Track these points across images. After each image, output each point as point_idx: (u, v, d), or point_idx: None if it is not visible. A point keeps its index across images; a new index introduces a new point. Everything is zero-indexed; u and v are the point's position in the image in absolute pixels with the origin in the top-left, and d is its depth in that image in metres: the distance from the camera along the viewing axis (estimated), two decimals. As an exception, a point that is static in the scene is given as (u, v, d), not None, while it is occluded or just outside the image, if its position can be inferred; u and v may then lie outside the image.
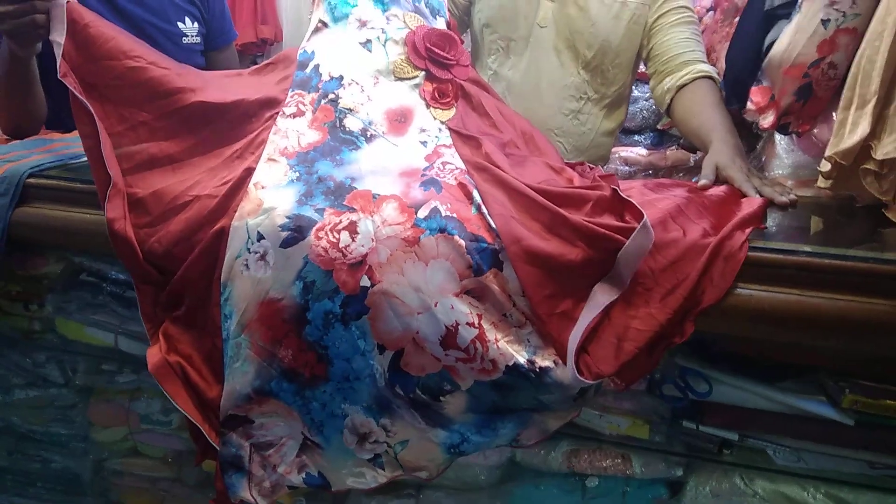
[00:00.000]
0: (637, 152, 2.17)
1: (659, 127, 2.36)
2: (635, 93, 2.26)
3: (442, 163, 0.96)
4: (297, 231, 0.87)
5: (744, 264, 0.81)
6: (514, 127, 1.10)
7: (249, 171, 0.95)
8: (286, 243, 0.87)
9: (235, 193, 0.92)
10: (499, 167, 0.94)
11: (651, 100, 2.09)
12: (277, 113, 1.02)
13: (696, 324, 0.82)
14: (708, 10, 1.67)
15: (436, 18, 1.14)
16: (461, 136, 1.01)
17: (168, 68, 1.04)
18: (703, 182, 1.03)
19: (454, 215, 0.87)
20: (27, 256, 1.14)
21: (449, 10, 1.24)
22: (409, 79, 1.05)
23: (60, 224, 1.04)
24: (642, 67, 1.54)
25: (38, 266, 1.15)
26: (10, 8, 1.02)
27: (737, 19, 1.49)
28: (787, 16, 1.14)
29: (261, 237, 0.88)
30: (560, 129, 1.53)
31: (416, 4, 1.12)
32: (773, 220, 0.98)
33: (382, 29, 1.08)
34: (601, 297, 0.84)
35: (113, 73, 1.01)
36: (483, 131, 1.05)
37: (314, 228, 0.86)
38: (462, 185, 0.92)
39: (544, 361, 0.83)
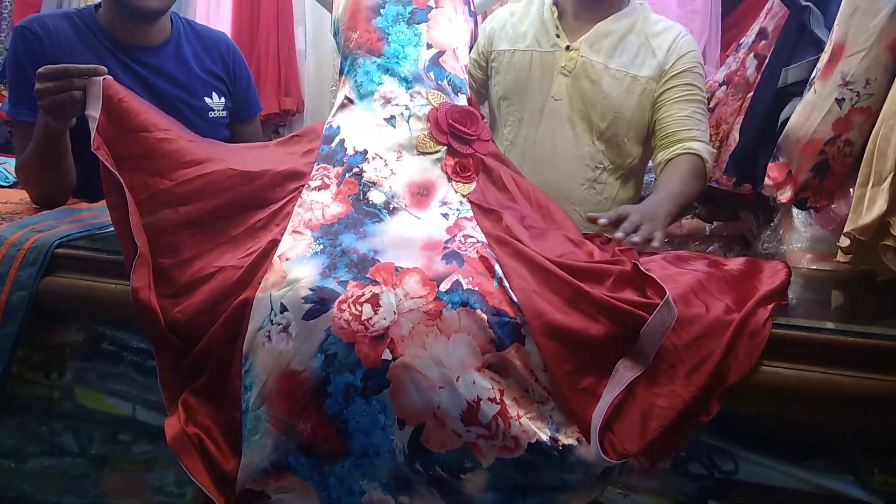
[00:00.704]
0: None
1: (674, 196, 2.37)
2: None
3: (463, 236, 0.97)
4: (320, 303, 0.87)
5: (768, 341, 0.81)
6: (531, 200, 1.12)
7: (275, 243, 0.96)
8: (309, 315, 0.87)
9: (260, 265, 0.94)
10: (519, 240, 0.96)
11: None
12: (303, 185, 1.04)
13: (722, 401, 0.81)
14: (721, 85, 1.70)
15: (458, 95, 1.17)
16: (482, 210, 1.03)
17: (194, 140, 1.08)
18: (601, 220, 1.08)
19: (476, 289, 0.87)
20: (50, 325, 1.15)
21: (468, 83, 1.28)
22: (432, 153, 1.07)
23: (86, 294, 1.05)
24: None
25: (61, 334, 1.16)
26: (50, 85, 1.07)
27: (750, 94, 1.53)
28: (801, 93, 1.17)
29: (284, 309, 0.88)
30: (577, 198, 1.55)
31: (439, 82, 1.16)
32: (793, 293, 0.98)
33: (406, 105, 1.11)
34: (625, 373, 0.84)
35: (143, 144, 1.04)
36: (503, 205, 1.06)
37: (337, 301, 0.87)
38: (484, 259, 0.92)
39: (568, 439, 0.82)
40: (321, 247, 0.95)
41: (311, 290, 0.88)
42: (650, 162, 1.57)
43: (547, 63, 1.52)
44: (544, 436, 0.82)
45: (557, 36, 1.53)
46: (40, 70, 1.08)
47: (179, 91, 1.48)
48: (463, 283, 0.88)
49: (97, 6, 1.47)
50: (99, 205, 1.31)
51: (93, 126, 1.02)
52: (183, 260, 0.99)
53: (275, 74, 2.43)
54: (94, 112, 1.04)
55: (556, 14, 1.56)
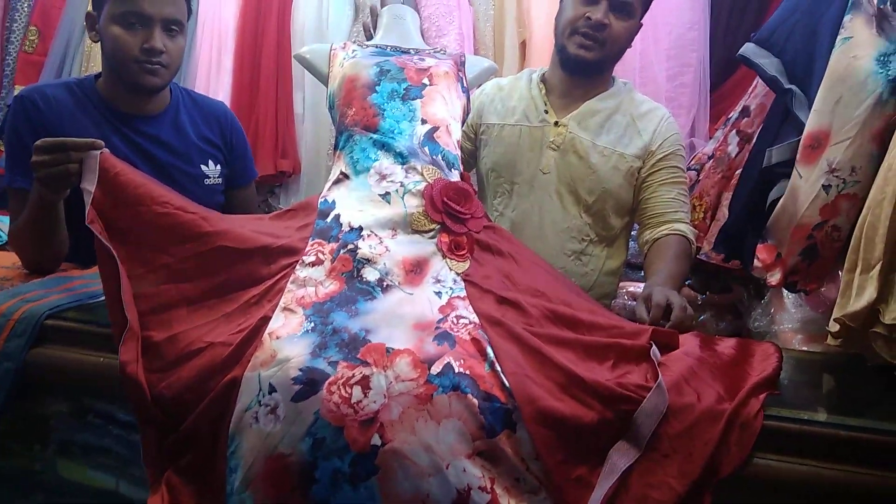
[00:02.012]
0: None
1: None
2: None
3: (456, 316, 0.97)
4: (309, 385, 0.86)
5: (760, 433, 0.81)
6: (530, 274, 1.12)
7: (265, 320, 0.96)
8: (298, 397, 0.86)
9: (250, 342, 0.93)
10: (521, 315, 0.96)
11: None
12: (297, 261, 1.04)
13: (714, 493, 0.80)
14: (709, 158, 1.74)
15: (451, 171, 1.19)
16: (476, 288, 1.03)
17: (194, 213, 1.08)
18: (640, 316, 1.12)
19: (467, 372, 0.87)
20: (35, 395, 1.14)
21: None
22: (426, 231, 1.08)
23: (73, 366, 1.05)
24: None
25: (46, 405, 1.14)
26: (46, 158, 1.08)
27: (731, 170, 1.57)
28: (788, 175, 1.19)
29: (273, 390, 0.87)
30: (563, 269, 1.56)
31: (434, 157, 1.18)
32: (784, 375, 0.97)
33: (401, 182, 1.12)
34: (618, 461, 0.83)
35: (140, 218, 1.05)
36: (499, 283, 1.07)
37: (327, 382, 0.86)
38: (475, 341, 0.92)
39: (559, 532, 0.81)
40: (312, 325, 0.94)
41: (300, 370, 0.87)
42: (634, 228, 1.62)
43: (536, 137, 1.56)
44: (536, 528, 0.81)
45: (546, 112, 1.57)
46: (37, 143, 1.09)
47: (176, 159, 1.50)
48: (454, 365, 0.87)
49: (97, 76, 1.50)
50: (90, 272, 1.31)
51: (88, 199, 1.03)
52: (173, 334, 0.98)
53: (273, 137, 2.47)
54: (89, 185, 1.05)
55: (543, 91, 1.60)
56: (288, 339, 0.92)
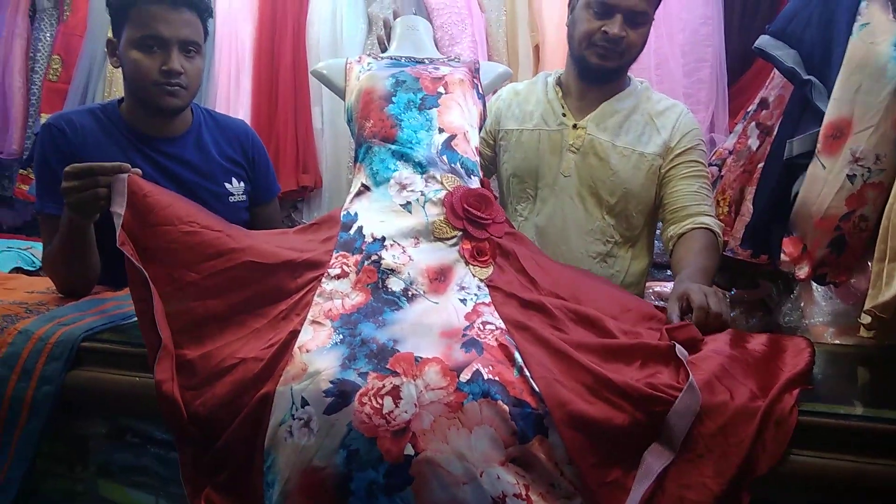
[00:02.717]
0: (672, 287, 2.17)
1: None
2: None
3: (482, 322, 0.98)
4: (340, 397, 0.87)
5: (795, 429, 0.80)
6: (552, 277, 1.12)
7: (294, 334, 0.97)
8: (330, 409, 0.87)
9: (281, 357, 0.94)
10: (548, 319, 0.95)
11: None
12: (322, 274, 1.05)
13: (751, 492, 0.80)
14: (730, 153, 1.72)
15: (470, 177, 1.20)
16: (501, 293, 1.04)
17: (220, 230, 1.10)
18: (671, 316, 1.08)
19: (496, 378, 0.87)
20: (73, 417, 1.16)
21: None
22: (448, 238, 1.09)
23: (110, 387, 1.06)
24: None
25: (84, 426, 1.16)
26: (76, 183, 1.10)
27: (752, 163, 1.55)
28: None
29: (305, 403, 0.88)
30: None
31: (452, 165, 1.18)
32: (818, 369, 0.96)
33: (421, 191, 1.13)
34: (653, 463, 0.82)
35: (168, 237, 1.07)
36: (522, 286, 1.07)
37: (358, 394, 0.87)
38: (503, 346, 0.93)
39: (597, 536, 0.81)
40: (341, 337, 0.95)
41: (331, 382, 0.88)
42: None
43: (555, 141, 1.56)
44: (573, 533, 0.80)
45: (564, 115, 1.57)
46: (66, 169, 1.11)
47: (200, 178, 1.52)
48: (483, 372, 0.88)
49: (120, 100, 1.53)
50: (122, 293, 1.34)
51: (118, 222, 1.05)
52: (206, 352, 1.00)
53: (293, 152, 2.50)
54: (119, 209, 1.07)
55: (560, 94, 1.60)
56: (317, 351, 0.93)
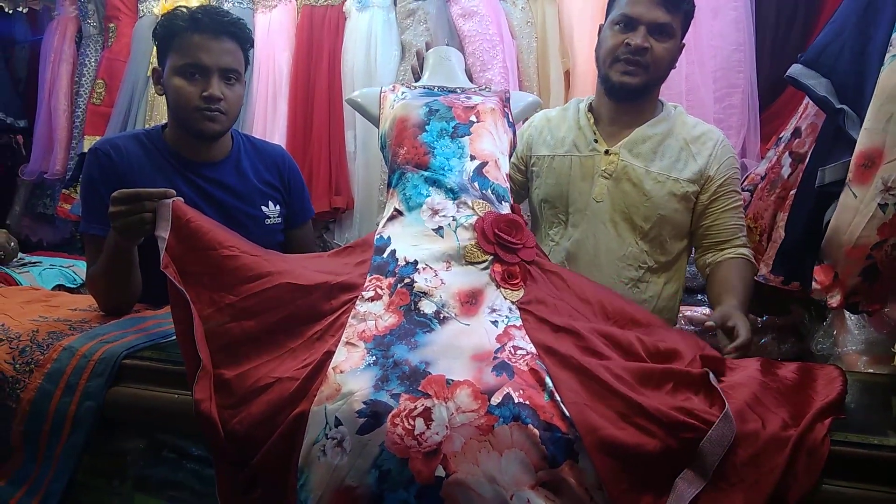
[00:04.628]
0: (702, 311, 2.16)
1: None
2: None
3: (513, 347, 0.99)
4: (373, 417, 0.89)
5: (827, 458, 0.79)
6: (582, 300, 1.13)
7: (329, 355, 0.99)
8: (363, 430, 0.89)
9: (315, 377, 0.96)
10: (577, 339, 0.97)
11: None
12: (357, 297, 1.08)
13: (782, 521, 0.79)
14: (762, 179, 1.72)
15: (501, 203, 1.21)
16: (532, 317, 1.05)
17: (257, 255, 1.13)
18: (709, 323, 1.22)
19: (527, 402, 0.88)
20: (113, 432, 1.19)
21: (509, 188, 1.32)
22: (479, 263, 1.11)
23: (150, 403, 1.10)
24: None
25: (123, 441, 1.19)
26: (122, 208, 1.15)
27: (784, 191, 1.55)
28: (841, 193, 1.18)
29: (339, 423, 0.90)
30: (621, 298, 1.56)
31: (483, 192, 1.20)
32: (850, 398, 0.96)
33: (453, 217, 1.15)
34: (685, 491, 0.83)
35: (210, 261, 1.10)
36: (553, 309, 1.08)
37: (390, 415, 0.89)
38: (534, 371, 0.94)
39: (627, 562, 0.81)
40: (374, 358, 0.97)
41: (364, 403, 0.90)
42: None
43: (587, 167, 1.57)
44: (602, 559, 0.81)
45: (595, 140, 1.58)
46: (114, 194, 1.16)
47: (239, 202, 1.57)
48: (514, 396, 0.89)
49: (163, 126, 1.59)
50: (162, 311, 1.38)
51: (162, 246, 1.09)
52: (243, 371, 1.02)
53: (326, 175, 2.56)
54: (163, 233, 1.11)
55: (592, 120, 1.62)
56: (351, 372, 0.95)
